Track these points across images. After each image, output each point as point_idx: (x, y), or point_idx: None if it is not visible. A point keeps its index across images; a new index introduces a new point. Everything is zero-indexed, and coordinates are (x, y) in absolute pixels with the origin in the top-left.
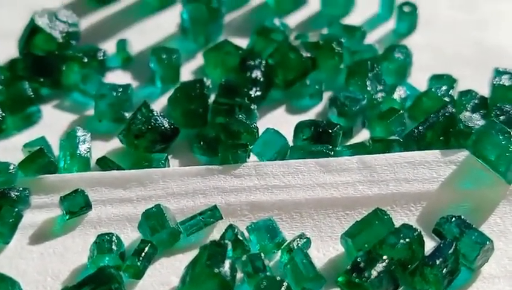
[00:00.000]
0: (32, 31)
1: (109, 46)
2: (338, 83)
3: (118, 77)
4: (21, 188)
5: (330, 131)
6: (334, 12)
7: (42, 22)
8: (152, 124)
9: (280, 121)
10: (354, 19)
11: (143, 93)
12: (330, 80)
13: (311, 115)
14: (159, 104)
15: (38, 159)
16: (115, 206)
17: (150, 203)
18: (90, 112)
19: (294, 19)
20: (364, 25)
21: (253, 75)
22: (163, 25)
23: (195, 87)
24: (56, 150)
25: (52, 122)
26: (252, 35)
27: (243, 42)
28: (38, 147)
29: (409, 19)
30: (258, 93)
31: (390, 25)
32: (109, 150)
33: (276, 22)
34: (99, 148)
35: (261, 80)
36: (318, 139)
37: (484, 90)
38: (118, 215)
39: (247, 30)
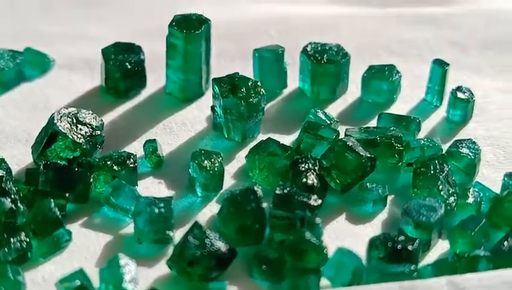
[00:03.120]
0: (51, 135)
1: (133, 148)
2: (398, 185)
3: (150, 185)
4: None
5: (410, 248)
6: (377, 100)
7: (62, 126)
8: (207, 248)
9: (343, 233)
10: (398, 107)
11: (181, 204)
12: (388, 181)
13: (377, 224)
14: (202, 217)
15: None
16: None
17: None
18: (126, 230)
19: (333, 109)
20: (412, 114)
21: (309, 181)
22: (191, 120)
23: (249, 199)
24: (95, 281)
25: (83, 245)
26: (300, 132)
27: (282, 138)
28: (78, 284)
29: (464, 106)
30: (319, 201)
31: (440, 112)
32: (155, 278)
33: (321, 114)
34: (143, 276)
35: (318, 185)
36: (396, 258)
37: None
38: None
39: (284, 123)
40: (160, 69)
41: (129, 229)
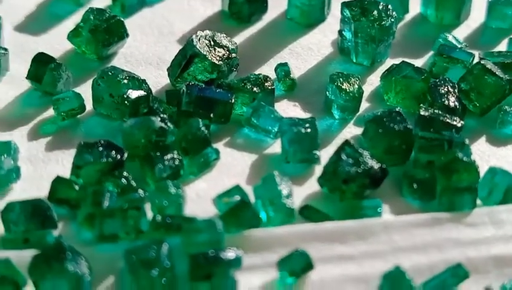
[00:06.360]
0: (190, 57)
1: (264, 72)
2: None
3: (286, 108)
4: (234, 249)
5: None
6: (501, 26)
7: (202, 48)
8: (361, 166)
9: (485, 155)
10: None
11: (319, 126)
12: None
13: None
14: (341, 138)
15: (242, 213)
16: (336, 264)
17: (376, 260)
18: (269, 150)
19: (457, 34)
20: None
21: (451, 103)
22: (317, 45)
23: (395, 120)
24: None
25: (231, 164)
26: (434, 55)
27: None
28: (239, 199)
29: None
30: (462, 123)
31: None
32: (305, 196)
33: (451, 39)
34: (295, 194)
35: (459, 108)
36: None
37: None
38: (343, 275)
39: (410, 48)
40: None
41: (272, 149)
